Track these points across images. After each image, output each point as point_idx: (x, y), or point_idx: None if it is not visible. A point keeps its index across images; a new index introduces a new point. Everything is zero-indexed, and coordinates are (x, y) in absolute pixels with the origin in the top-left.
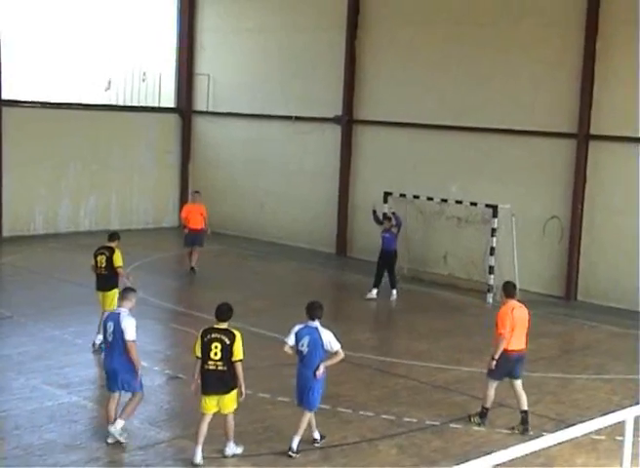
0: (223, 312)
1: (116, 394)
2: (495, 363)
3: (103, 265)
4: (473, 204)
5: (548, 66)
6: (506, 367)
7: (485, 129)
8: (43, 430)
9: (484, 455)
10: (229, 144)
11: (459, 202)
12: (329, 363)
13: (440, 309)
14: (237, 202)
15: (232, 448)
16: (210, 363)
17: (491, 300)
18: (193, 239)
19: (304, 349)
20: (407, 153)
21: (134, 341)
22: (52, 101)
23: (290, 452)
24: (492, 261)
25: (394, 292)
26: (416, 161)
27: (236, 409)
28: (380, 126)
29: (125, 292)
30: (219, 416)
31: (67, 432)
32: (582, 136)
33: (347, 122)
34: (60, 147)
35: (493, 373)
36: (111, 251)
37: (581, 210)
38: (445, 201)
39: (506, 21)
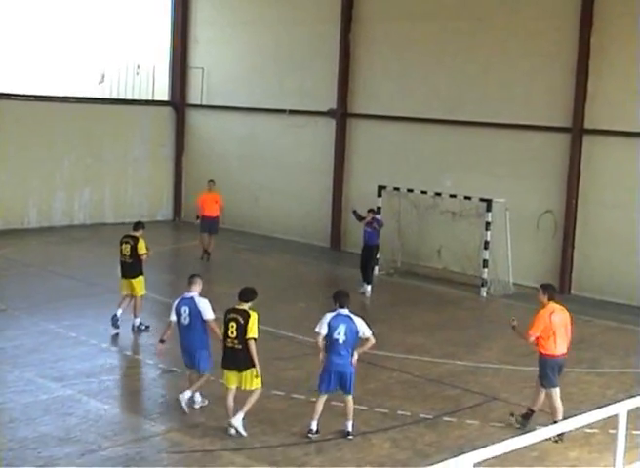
0: (244, 294)
1: (194, 369)
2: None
3: (128, 253)
4: (467, 198)
5: (543, 60)
6: (554, 371)
7: (479, 122)
8: (37, 423)
9: (478, 449)
10: (223, 138)
11: (453, 196)
12: (362, 350)
13: (434, 303)
14: (231, 195)
15: (239, 422)
16: (228, 341)
17: (485, 294)
18: (208, 225)
19: (341, 337)
20: (401, 147)
21: (214, 319)
22: (45, 94)
23: (350, 435)
24: (486, 255)
25: (368, 287)
26: (410, 154)
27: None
28: (374, 119)
29: (193, 278)
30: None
31: (62, 425)
32: (577, 130)
33: (342, 115)
34: (54, 140)
35: (548, 381)
36: (135, 239)
37: (575, 204)
38: (439, 195)
39: (502, 15)
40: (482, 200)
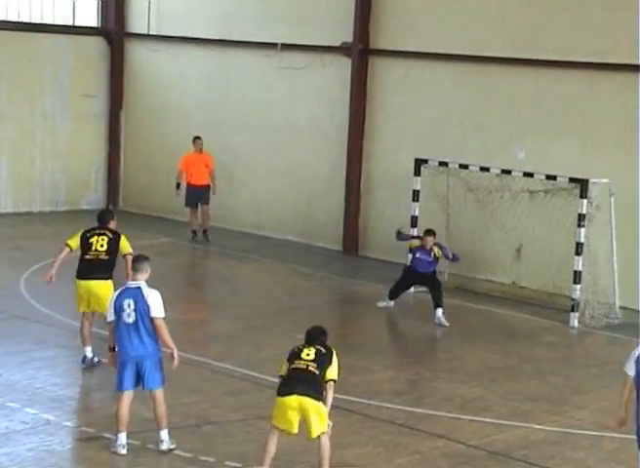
0: (314, 337)
1: (130, 392)
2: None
3: (105, 249)
4: (551, 177)
5: None
6: None
7: (571, 63)
8: None
9: None
10: (182, 85)
11: (528, 174)
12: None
13: (499, 336)
14: None
15: None
16: (300, 362)
17: (577, 323)
18: (197, 196)
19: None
20: (451, 100)
21: (164, 318)
22: None
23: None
24: (579, 265)
25: (439, 311)
26: (464, 113)
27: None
28: (410, 59)
29: (139, 262)
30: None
31: None
32: None
33: (361, 53)
34: None
35: None
36: (115, 233)
37: None
38: (508, 173)
39: None
40: (574, 180)
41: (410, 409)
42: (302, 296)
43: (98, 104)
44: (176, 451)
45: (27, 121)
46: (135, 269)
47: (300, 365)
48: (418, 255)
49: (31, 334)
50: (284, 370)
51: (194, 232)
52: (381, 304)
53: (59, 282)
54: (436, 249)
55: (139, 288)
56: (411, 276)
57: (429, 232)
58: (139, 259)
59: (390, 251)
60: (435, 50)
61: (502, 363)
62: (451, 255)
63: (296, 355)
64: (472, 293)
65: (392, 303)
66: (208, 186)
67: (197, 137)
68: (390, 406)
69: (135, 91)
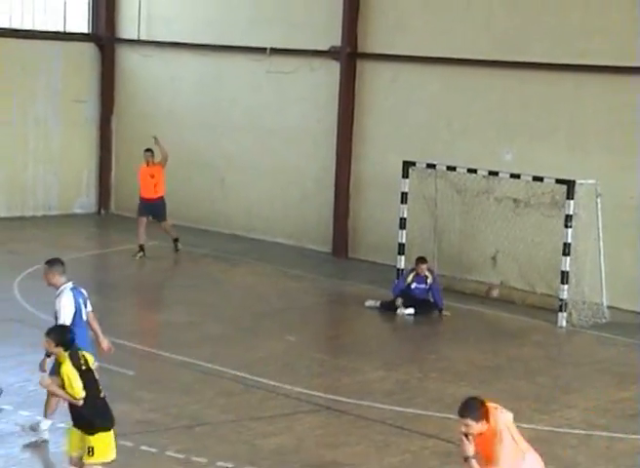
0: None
1: None
2: None
3: None
4: (538, 179)
5: None
6: None
7: (557, 65)
8: None
9: None
10: (172, 90)
11: (515, 176)
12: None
13: (488, 336)
14: (185, 175)
15: None
16: (101, 389)
17: (564, 323)
18: (149, 210)
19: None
20: (439, 103)
21: None
22: None
23: None
24: (566, 265)
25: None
26: (451, 115)
27: None
28: (399, 63)
29: (62, 265)
30: None
31: None
32: None
33: (350, 56)
34: None
35: None
36: None
37: None
38: (495, 174)
39: None
40: (560, 182)
41: (400, 409)
42: (293, 298)
43: (89, 109)
44: (168, 453)
45: (20, 126)
46: (62, 272)
47: (101, 394)
48: (414, 286)
49: (25, 337)
50: (81, 391)
51: (140, 247)
52: (369, 303)
53: None
54: (429, 274)
55: (77, 287)
56: (406, 299)
57: (422, 259)
58: (60, 262)
59: (380, 252)
60: (423, 53)
61: (491, 362)
62: (436, 282)
63: (94, 382)
64: (460, 294)
65: (379, 303)
66: (159, 200)
67: (146, 150)
68: (381, 406)
69: (126, 96)
